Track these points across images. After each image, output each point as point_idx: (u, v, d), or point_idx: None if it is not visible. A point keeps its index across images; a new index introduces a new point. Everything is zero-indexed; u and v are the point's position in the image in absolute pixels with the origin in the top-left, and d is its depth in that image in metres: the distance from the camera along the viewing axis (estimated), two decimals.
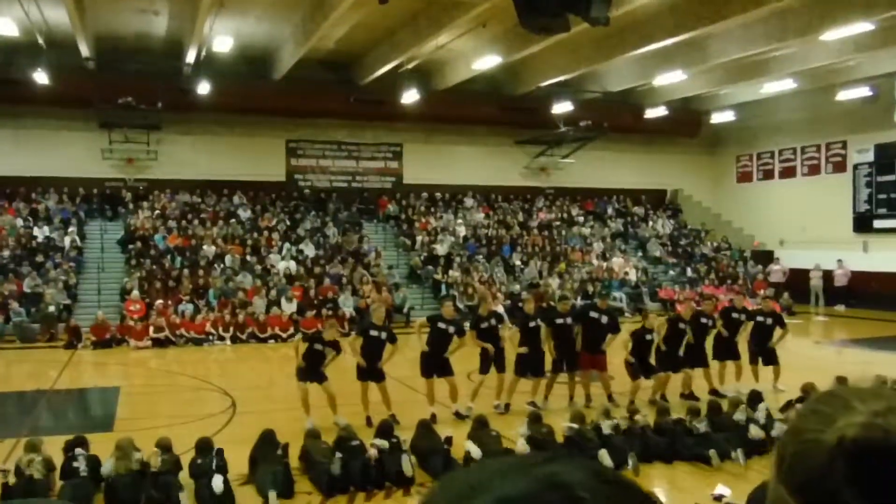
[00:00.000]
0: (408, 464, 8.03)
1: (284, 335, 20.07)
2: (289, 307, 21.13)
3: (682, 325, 12.12)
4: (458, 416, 10.78)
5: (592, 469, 0.78)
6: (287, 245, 24.31)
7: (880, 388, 0.98)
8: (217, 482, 7.35)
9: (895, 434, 0.88)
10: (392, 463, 8.10)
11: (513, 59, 21.61)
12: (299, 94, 24.38)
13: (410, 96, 23.85)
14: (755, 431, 9.09)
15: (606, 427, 9.07)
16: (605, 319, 11.85)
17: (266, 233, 24.67)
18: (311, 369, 10.48)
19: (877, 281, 24.82)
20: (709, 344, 12.53)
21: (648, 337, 11.70)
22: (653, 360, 11.77)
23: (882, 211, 25.80)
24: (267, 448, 8.30)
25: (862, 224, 26.39)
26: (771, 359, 12.71)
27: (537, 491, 0.74)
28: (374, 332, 10.78)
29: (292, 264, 23.39)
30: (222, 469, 7.70)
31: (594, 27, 10.87)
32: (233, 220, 24.91)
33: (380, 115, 26.00)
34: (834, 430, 0.90)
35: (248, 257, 23.42)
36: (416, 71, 23.28)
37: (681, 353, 12.00)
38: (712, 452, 8.53)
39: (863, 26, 17.91)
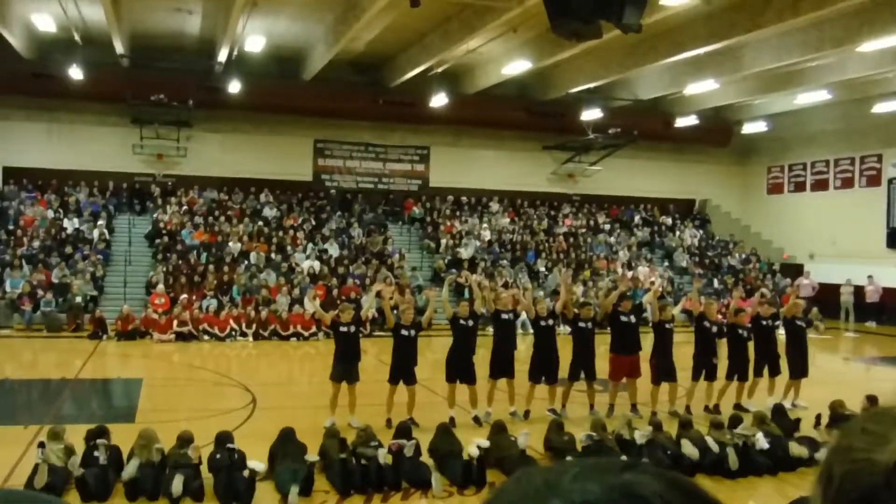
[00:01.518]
0: (437, 481, 7.93)
1: (306, 333, 20.18)
2: (312, 306, 21.13)
3: (707, 324, 11.90)
4: (477, 421, 10.70)
5: (668, 479, 0.75)
6: (312, 244, 24.43)
7: None
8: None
9: None
10: (411, 465, 8.06)
11: (543, 65, 21.54)
12: (328, 95, 24.55)
13: (439, 99, 23.87)
14: (761, 443, 8.94)
15: (628, 435, 8.98)
16: (633, 319, 11.73)
17: (291, 231, 24.81)
18: (345, 362, 10.43)
19: None
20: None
21: (668, 326, 11.61)
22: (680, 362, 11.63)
23: None
24: (286, 445, 8.30)
25: (895, 240, 25.95)
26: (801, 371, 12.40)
27: (612, 499, 0.72)
28: (405, 332, 10.69)
29: (316, 263, 23.46)
30: (240, 463, 7.70)
31: (626, 34, 10.78)
32: (259, 218, 25.09)
33: (408, 118, 26.06)
34: (891, 449, 0.86)
35: (273, 255, 23.57)
36: (445, 74, 23.27)
37: (714, 361, 11.79)
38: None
39: None
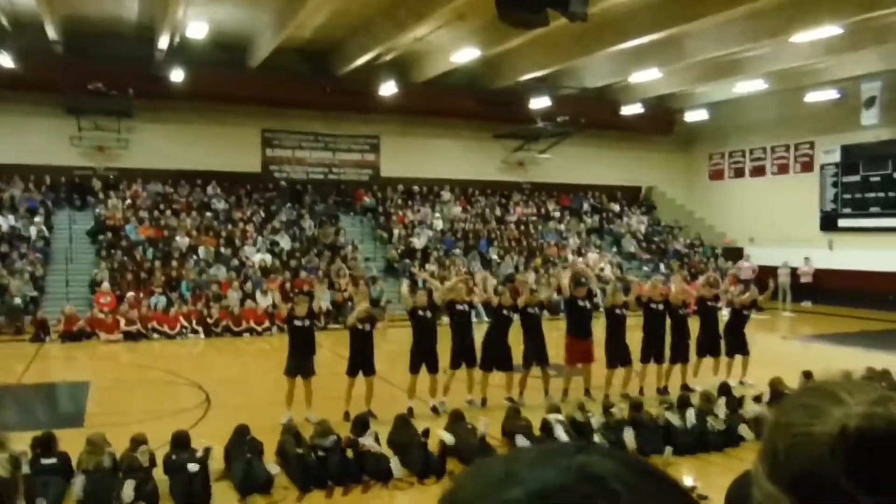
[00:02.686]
0: (397, 466, 8.06)
1: (259, 328, 20.00)
2: (264, 300, 21.04)
3: (654, 306, 12.24)
4: (435, 411, 10.82)
5: (625, 459, 0.77)
6: (262, 237, 24.16)
7: (862, 382, 1.02)
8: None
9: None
10: (371, 458, 8.13)
11: (491, 53, 21.64)
12: (276, 84, 24.09)
13: (388, 88, 23.81)
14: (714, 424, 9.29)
15: (581, 418, 9.20)
16: (588, 305, 11.98)
17: (241, 224, 24.48)
18: (300, 357, 10.43)
19: (841, 278, 25.28)
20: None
21: (618, 311, 11.90)
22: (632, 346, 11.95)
23: (847, 210, 26.31)
24: (241, 443, 8.29)
25: (828, 223, 26.91)
26: (743, 349, 12.90)
27: (570, 482, 0.73)
28: (359, 326, 10.76)
29: (267, 257, 23.26)
30: (202, 464, 7.68)
31: (572, 22, 10.95)
32: (207, 212, 24.69)
33: (357, 107, 25.86)
34: (832, 421, 0.92)
35: (223, 249, 23.23)
36: (395, 63, 23.22)
37: (663, 345, 12.16)
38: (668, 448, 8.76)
39: (831, 30, 18.21)
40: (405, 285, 12.80)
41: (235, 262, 22.73)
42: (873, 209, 25.46)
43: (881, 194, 25.24)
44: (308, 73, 24.72)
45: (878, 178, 25.28)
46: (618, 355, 11.81)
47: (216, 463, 7.96)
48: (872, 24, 18.38)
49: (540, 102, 25.70)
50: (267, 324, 20.24)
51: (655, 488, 0.76)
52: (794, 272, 26.45)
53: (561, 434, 8.85)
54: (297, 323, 10.63)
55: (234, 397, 12.34)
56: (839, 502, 0.89)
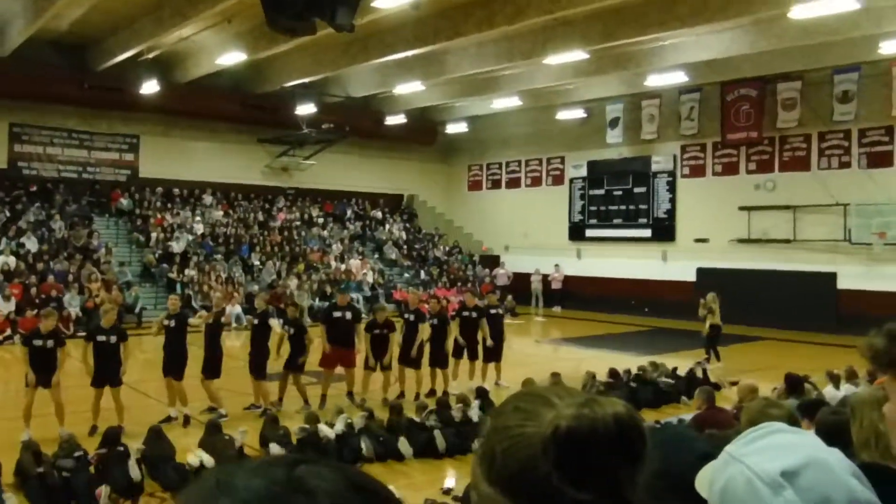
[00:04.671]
0: (136, 469, 7.72)
1: (0, 337, 18.45)
2: (6, 306, 19.40)
3: (407, 316, 12.71)
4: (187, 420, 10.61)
5: (343, 474, 0.78)
6: (6, 238, 22.23)
7: (570, 387, 1.16)
8: None
9: (600, 421, 0.99)
10: (119, 472, 7.72)
11: (258, 58, 21.33)
12: (27, 75, 22.23)
13: (150, 87, 22.83)
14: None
15: (340, 424, 9.35)
16: (349, 315, 12.14)
17: None
18: (39, 372, 9.73)
19: (587, 284, 27.41)
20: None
21: (377, 331, 12.11)
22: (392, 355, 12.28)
23: (593, 221, 28.47)
24: None
25: (576, 233, 28.91)
26: (497, 355, 13.56)
27: (279, 494, 0.73)
28: (101, 338, 10.23)
29: (12, 259, 21.41)
30: None
31: (339, 33, 11.16)
32: None
33: (116, 104, 24.50)
34: (545, 422, 0.99)
35: None
36: (157, 61, 22.26)
37: (417, 351, 12.53)
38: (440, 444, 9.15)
39: (579, 54, 19.74)
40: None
41: None
42: (616, 220, 27.70)
43: (623, 207, 27.44)
44: (63, 66, 23.06)
45: (620, 192, 27.53)
46: (375, 362, 12.14)
47: None
48: (615, 51, 20.24)
49: (306, 109, 25.72)
50: (8, 332, 18.71)
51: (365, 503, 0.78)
52: (545, 278, 28.38)
53: (329, 435, 9.00)
54: (38, 343, 9.92)
55: None
56: (551, 499, 0.96)
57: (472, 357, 13.44)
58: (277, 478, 0.75)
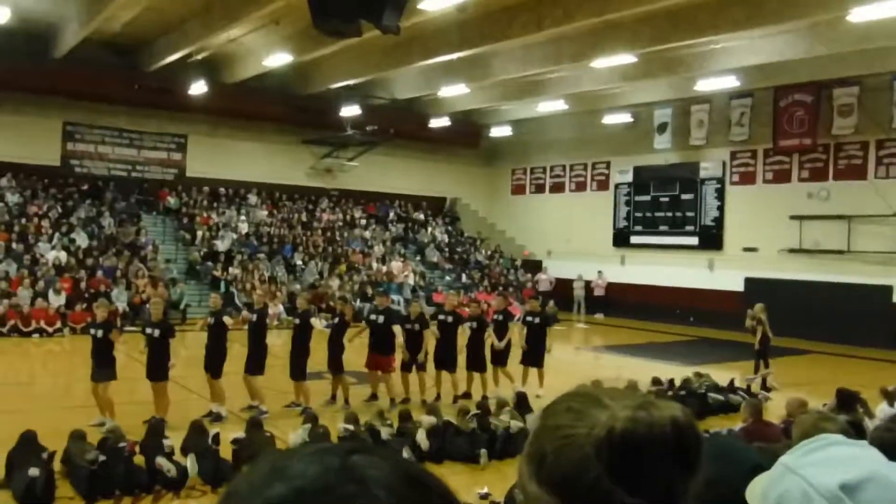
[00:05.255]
0: (194, 466, 7.79)
1: (50, 329, 18.90)
2: (57, 300, 19.80)
3: (443, 318, 12.58)
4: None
5: (398, 464, 0.77)
6: (58, 234, 22.73)
7: (620, 389, 1.12)
8: None
9: (657, 425, 0.96)
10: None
11: (304, 59, 21.50)
12: (80, 76, 22.76)
13: (198, 87, 23.21)
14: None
15: (382, 429, 9.29)
16: (381, 319, 12.07)
17: (36, 220, 22.92)
18: (100, 364, 9.89)
19: (631, 292, 27.02)
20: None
21: (408, 326, 12.11)
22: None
23: (638, 228, 28.10)
24: (26, 450, 7.74)
25: (620, 239, 28.57)
26: (538, 361, 13.19)
27: (334, 482, 0.73)
28: (147, 330, 10.37)
29: (63, 255, 21.89)
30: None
31: (385, 35, 11.13)
32: None
33: (165, 104, 24.96)
34: (598, 423, 0.97)
35: (14, 245, 21.71)
36: (206, 62, 22.61)
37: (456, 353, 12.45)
38: (482, 451, 8.97)
39: (627, 58, 19.54)
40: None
41: (28, 258, 21.26)
42: (662, 227, 27.30)
43: (669, 214, 27.03)
44: (115, 67, 23.58)
45: (666, 199, 27.15)
46: (413, 363, 12.11)
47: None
48: (663, 55, 19.94)
49: (350, 111, 25.82)
50: (58, 324, 19.16)
51: (419, 496, 0.76)
52: (588, 285, 28.06)
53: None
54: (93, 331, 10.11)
55: (20, 401, 11.51)
56: (601, 502, 0.94)
57: (529, 363, 13.15)
58: (332, 465, 0.74)
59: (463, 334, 12.67)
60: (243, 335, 11.48)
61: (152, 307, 10.85)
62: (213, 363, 10.76)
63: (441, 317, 12.73)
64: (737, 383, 13.17)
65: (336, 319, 11.94)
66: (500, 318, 13.37)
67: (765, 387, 12.77)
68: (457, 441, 9.31)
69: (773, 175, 24.20)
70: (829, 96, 22.35)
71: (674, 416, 0.98)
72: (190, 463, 7.89)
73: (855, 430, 4.44)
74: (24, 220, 22.80)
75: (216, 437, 8.48)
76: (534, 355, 13.06)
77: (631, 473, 0.94)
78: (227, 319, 10.91)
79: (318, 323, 12.14)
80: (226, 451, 8.37)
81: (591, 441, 0.96)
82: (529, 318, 13.47)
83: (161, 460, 7.79)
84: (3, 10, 18.40)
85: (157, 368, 10.20)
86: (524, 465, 1.02)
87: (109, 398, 9.96)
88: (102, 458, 7.65)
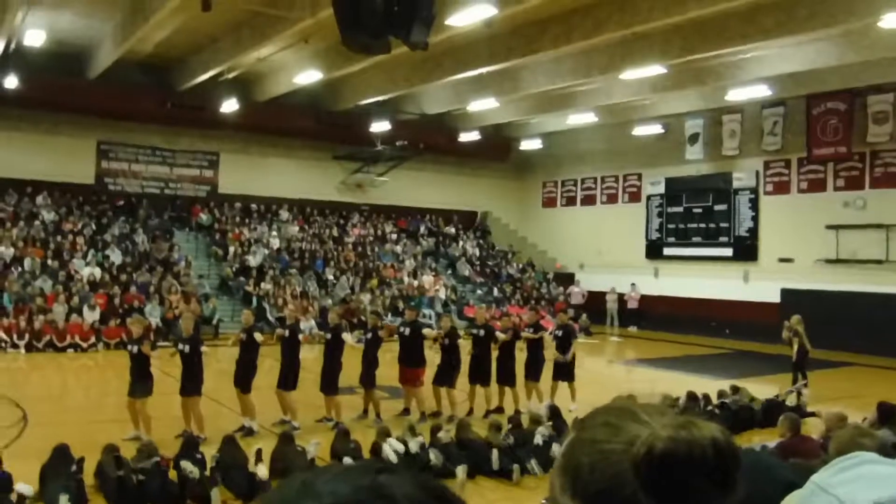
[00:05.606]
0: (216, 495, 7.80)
1: (84, 344, 19.18)
2: (91, 315, 20.07)
3: (476, 332, 12.58)
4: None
5: (421, 483, 0.79)
6: (93, 251, 23.09)
7: (656, 405, 1.08)
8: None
9: (698, 445, 0.95)
10: (194, 482, 7.88)
11: (334, 76, 21.68)
12: (114, 95, 23.22)
13: (229, 105, 23.48)
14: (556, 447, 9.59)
15: (414, 445, 9.25)
16: (407, 332, 12.14)
17: (70, 237, 23.29)
18: (137, 380, 10.02)
19: (665, 304, 26.77)
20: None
21: (444, 341, 12.16)
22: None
23: (671, 240, 27.87)
24: (59, 463, 7.87)
25: (653, 251, 28.36)
26: (568, 375, 13.07)
27: (363, 499, 0.75)
28: (179, 346, 10.48)
29: (97, 271, 22.22)
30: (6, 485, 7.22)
31: (414, 51, 11.17)
32: (35, 221, 23.34)
33: (197, 122, 25.35)
34: (636, 439, 0.96)
35: (50, 261, 22.06)
36: (237, 80, 22.89)
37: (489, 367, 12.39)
38: (515, 467, 8.90)
39: (657, 69, 19.44)
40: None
41: (63, 275, 21.60)
42: (695, 239, 27.05)
43: (702, 225, 26.80)
44: (148, 86, 23.97)
45: (699, 210, 26.92)
46: (445, 377, 12.08)
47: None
48: (694, 66, 19.81)
49: (380, 126, 25.99)
50: (93, 339, 19.43)
51: None
52: (621, 298, 27.86)
53: (390, 456, 8.89)
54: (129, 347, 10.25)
55: (54, 415, 11.71)
56: None
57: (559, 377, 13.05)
58: (361, 484, 0.77)
59: (495, 348, 12.62)
60: (276, 350, 11.55)
61: (183, 323, 10.96)
62: (244, 379, 10.82)
63: (473, 331, 12.73)
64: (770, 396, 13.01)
65: (369, 335, 11.96)
66: (531, 330, 13.26)
67: (800, 402, 12.54)
68: (489, 456, 9.22)
69: (807, 184, 23.88)
70: (864, 104, 22.05)
71: (714, 436, 0.97)
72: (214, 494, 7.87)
73: None
74: (59, 238, 23.16)
75: (258, 452, 8.50)
76: (563, 369, 13.00)
77: (668, 492, 0.94)
78: (258, 336, 10.98)
79: (350, 338, 12.16)
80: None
81: (629, 457, 0.95)
82: (557, 332, 13.38)
83: (185, 463, 7.84)
84: (39, 32, 18.90)
85: (190, 384, 10.29)
86: (557, 478, 1.02)
87: (147, 413, 10.07)
88: (144, 466, 7.74)
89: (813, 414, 11.16)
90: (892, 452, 3.24)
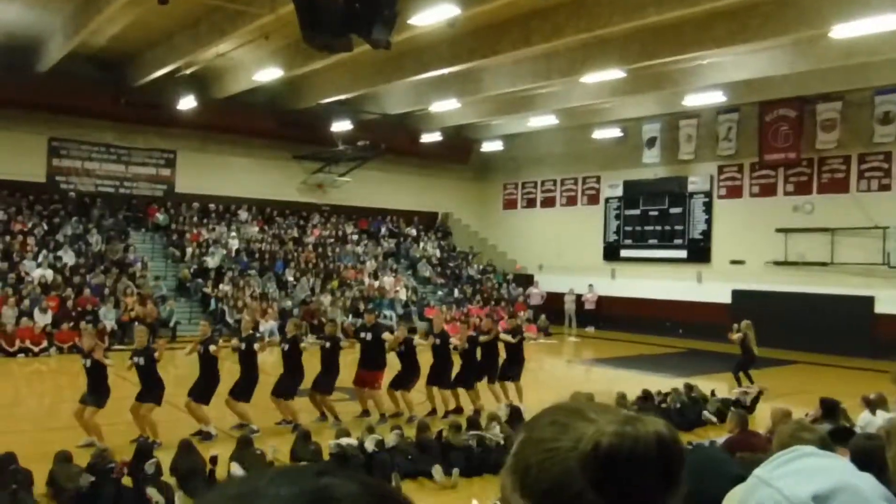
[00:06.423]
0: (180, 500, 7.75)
1: (36, 349, 18.71)
2: (43, 319, 19.65)
3: (435, 341, 12.68)
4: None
5: (364, 484, 0.79)
6: (44, 251, 22.56)
7: (605, 403, 1.13)
8: None
9: (642, 440, 0.97)
10: (154, 486, 7.78)
11: (294, 74, 21.54)
12: (65, 90, 22.55)
13: (187, 102, 23.13)
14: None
15: (370, 443, 9.30)
16: (369, 337, 12.18)
17: (20, 237, 22.69)
18: (92, 391, 9.85)
19: (621, 305, 27.16)
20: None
21: (400, 348, 12.24)
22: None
23: (628, 241, 28.21)
24: (5, 474, 7.64)
25: (610, 253, 28.68)
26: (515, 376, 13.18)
27: (305, 502, 0.74)
28: (134, 359, 10.34)
29: (49, 272, 21.68)
30: None
31: (375, 49, 11.21)
32: None
33: (153, 120, 24.86)
34: (583, 437, 0.98)
35: None
36: (194, 77, 22.57)
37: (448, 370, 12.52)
38: (455, 471, 8.98)
39: (616, 73, 19.70)
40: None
41: (12, 277, 21.08)
42: (651, 241, 27.43)
43: (658, 227, 27.18)
44: (102, 81, 23.44)
45: (655, 213, 27.28)
46: (403, 380, 12.19)
47: None
48: (652, 71, 20.13)
49: (341, 125, 25.90)
50: (45, 344, 18.97)
51: None
52: (578, 299, 28.18)
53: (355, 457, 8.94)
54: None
55: (3, 423, 11.39)
56: None
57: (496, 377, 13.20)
58: (303, 487, 0.75)
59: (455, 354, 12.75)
60: (236, 355, 11.49)
61: (136, 335, 10.84)
62: (206, 391, 10.74)
63: (428, 339, 12.85)
64: (722, 394, 13.35)
65: (328, 344, 11.94)
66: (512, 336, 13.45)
67: (756, 400, 12.87)
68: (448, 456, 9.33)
69: (759, 189, 24.41)
70: (813, 111, 22.63)
71: (658, 431, 0.99)
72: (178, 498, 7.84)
73: (846, 437, 4.55)
74: (8, 238, 22.52)
75: (213, 458, 8.46)
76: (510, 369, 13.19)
77: (615, 488, 0.95)
78: (212, 348, 10.88)
79: (309, 345, 12.24)
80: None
81: (576, 455, 0.97)
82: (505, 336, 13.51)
83: (151, 491, 7.74)
84: None
85: (146, 393, 10.20)
86: (507, 478, 1.03)
87: (152, 420, 10.02)
88: (91, 478, 7.64)
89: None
90: (831, 445, 3.41)
